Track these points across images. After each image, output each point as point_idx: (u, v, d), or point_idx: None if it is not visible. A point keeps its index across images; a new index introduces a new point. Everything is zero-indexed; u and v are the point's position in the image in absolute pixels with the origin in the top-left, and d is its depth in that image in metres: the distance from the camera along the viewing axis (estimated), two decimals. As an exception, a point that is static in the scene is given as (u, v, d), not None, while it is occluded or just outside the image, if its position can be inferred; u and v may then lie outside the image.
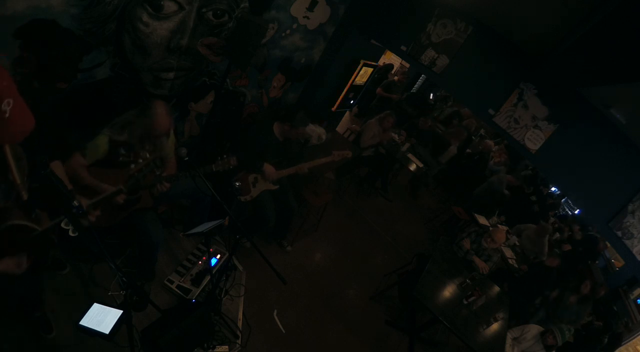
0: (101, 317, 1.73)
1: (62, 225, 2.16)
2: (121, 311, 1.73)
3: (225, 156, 2.47)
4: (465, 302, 3.53)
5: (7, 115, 0.99)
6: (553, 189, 8.73)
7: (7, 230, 1.32)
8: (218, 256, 3.11)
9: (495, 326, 3.50)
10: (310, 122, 4.14)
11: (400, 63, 8.54)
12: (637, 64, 1.99)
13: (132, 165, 1.75)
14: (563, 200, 8.95)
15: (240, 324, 2.83)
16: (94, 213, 1.76)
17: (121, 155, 2.26)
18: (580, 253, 6.44)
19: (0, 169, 1.26)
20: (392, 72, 8.44)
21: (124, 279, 1.52)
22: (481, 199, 6.17)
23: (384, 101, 6.87)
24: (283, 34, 3.88)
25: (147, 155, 1.75)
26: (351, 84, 5.73)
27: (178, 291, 2.74)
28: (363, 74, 5.90)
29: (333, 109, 5.81)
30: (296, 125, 3.23)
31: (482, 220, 5.40)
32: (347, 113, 6.88)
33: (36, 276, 1.96)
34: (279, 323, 3.18)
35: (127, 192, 2.28)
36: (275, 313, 3.23)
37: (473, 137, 9.04)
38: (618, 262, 7.41)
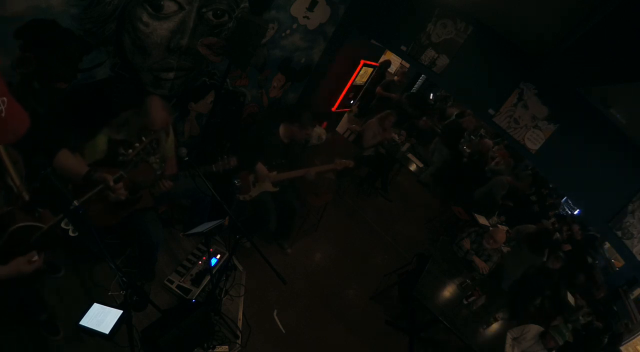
0: (101, 317, 1.73)
1: (62, 225, 2.16)
2: (121, 311, 1.73)
3: (225, 156, 2.47)
4: (465, 302, 3.53)
5: (3, 114, 0.96)
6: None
7: (13, 233, 1.32)
8: (218, 256, 3.11)
9: (495, 326, 3.51)
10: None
11: (400, 63, 8.54)
12: (637, 64, 1.99)
13: (130, 150, 1.74)
14: (563, 200, 8.95)
15: (240, 324, 2.83)
16: (120, 191, 1.75)
17: (120, 154, 2.26)
18: (580, 253, 6.44)
19: (1, 177, 1.27)
20: (392, 72, 8.45)
21: (124, 279, 1.52)
22: (481, 200, 6.17)
23: (383, 101, 6.87)
24: (283, 34, 3.88)
25: (143, 138, 1.74)
26: (351, 84, 5.73)
27: (178, 291, 2.74)
28: (363, 74, 5.91)
29: (333, 109, 5.82)
30: (304, 126, 3.23)
31: (482, 220, 5.40)
32: (348, 112, 6.89)
33: (34, 276, 1.96)
34: (279, 323, 3.18)
35: (128, 190, 2.28)
36: (275, 313, 3.23)
37: (473, 137, 9.06)
38: (618, 262, 7.41)
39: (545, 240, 4.80)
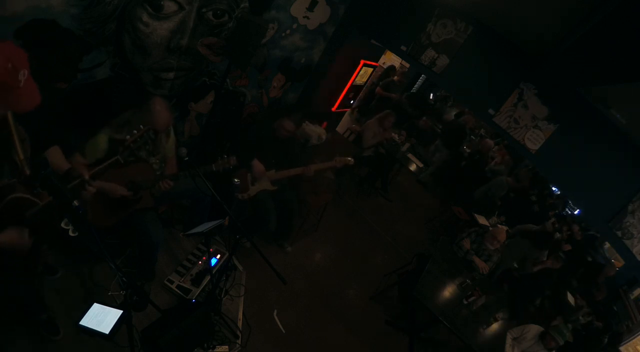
0: (101, 317, 1.73)
1: (62, 225, 2.16)
2: (121, 311, 1.74)
3: (225, 156, 2.47)
4: (465, 302, 3.53)
5: (21, 84, 1.13)
6: (554, 188, 8.72)
7: (10, 202, 1.38)
8: (218, 256, 3.11)
9: (495, 326, 3.50)
10: (308, 122, 4.16)
11: (401, 63, 8.54)
12: (637, 64, 1.99)
13: (127, 136, 1.73)
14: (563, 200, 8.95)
15: (240, 324, 2.83)
16: (92, 188, 1.74)
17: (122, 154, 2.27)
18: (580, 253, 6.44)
19: (6, 150, 1.37)
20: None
21: (124, 279, 1.52)
22: (480, 200, 6.17)
23: (383, 101, 6.87)
24: (283, 34, 3.88)
25: (142, 126, 1.73)
26: (351, 84, 5.74)
27: (178, 291, 2.74)
28: (363, 74, 5.91)
29: (333, 109, 5.82)
30: (288, 121, 3.22)
31: (482, 220, 5.40)
32: (348, 112, 6.89)
33: (31, 277, 1.96)
34: (279, 323, 3.18)
35: (129, 189, 2.28)
36: (275, 313, 3.23)
37: (473, 136, 9.06)
38: (618, 262, 7.41)
39: (548, 239, 4.83)
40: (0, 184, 1.37)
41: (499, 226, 5.38)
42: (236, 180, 3.22)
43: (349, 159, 3.57)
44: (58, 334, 2.15)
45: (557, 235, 6.51)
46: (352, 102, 6.37)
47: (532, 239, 4.85)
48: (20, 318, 2.11)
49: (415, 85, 9.70)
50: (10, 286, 1.80)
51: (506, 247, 4.60)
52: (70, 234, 2.24)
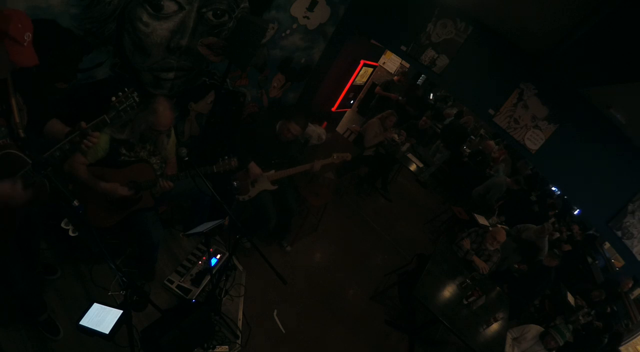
0: (101, 317, 1.73)
1: (62, 225, 2.16)
2: (121, 311, 1.73)
3: (226, 157, 2.47)
4: (465, 302, 3.53)
5: (26, 43, 1.43)
6: (553, 188, 8.73)
7: (3, 156, 1.48)
8: (218, 256, 3.11)
9: (495, 326, 3.50)
10: (310, 122, 4.15)
11: (400, 63, 8.55)
12: (637, 64, 1.99)
13: (113, 97, 1.71)
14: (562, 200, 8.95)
15: (240, 324, 2.83)
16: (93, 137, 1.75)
17: (122, 154, 2.27)
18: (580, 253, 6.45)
19: (5, 115, 1.55)
20: (393, 72, 8.46)
21: (124, 279, 1.52)
22: (477, 200, 6.17)
23: (383, 101, 6.88)
24: (283, 34, 3.88)
25: (126, 88, 1.71)
26: (351, 84, 5.74)
27: (178, 291, 2.74)
28: (363, 74, 5.92)
29: (333, 109, 5.82)
30: (297, 124, 3.20)
31: (482, 220, 5.40)
32: (348, 112, 6.89)
33: (33, 277, 1.96)
34: (279, 323, 3.18)
35: (130, 189, 2.27)
36: (275, 313, 3.23)
37: (473, 136, 9.06)
38: (618, 262, 7.42)
39: (532, 253, 4.98)
40: None
41: (498, 226, 5.38)
42: (236, 183, 3.22)
43: (347, 154, 3.55)
44: (58, 334, 2.15)
45: (557, 235, 6.52)
46: (352, 102, 6.37)
47: (518, 245, 4.92)
48: (21, 318, 2.11)
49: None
50: (12, 285, 1.80)
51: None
52: (70, 234, 2.25)
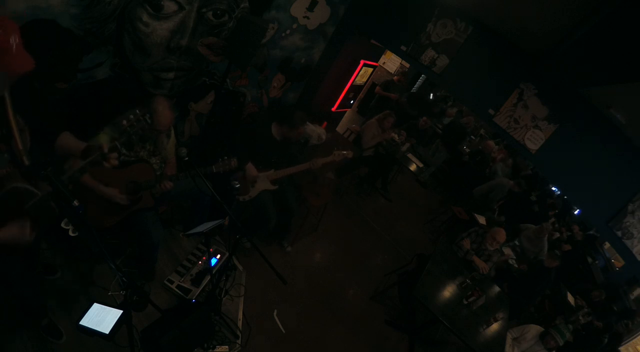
0: (101, 317, 1.73)
1: (62, 225, 2.16)
2: (121, 311, 1.73)
3: (226, 157, 2.47)
4: (465, 302, 3.53)
5: (13, 48, 1.27)
6: (553, 188, 8.73)
7: (10, 193, 1.37)
8: (218, 256, 3.11)
9: (495, 326, 3.50)
10: (309, 122, 4.15)
11: (400, 63, 8.54)
12: (637, 64, 1.99)
13: (124, 121, 1.72)
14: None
15: (240, 324, 2.83)
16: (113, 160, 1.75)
17: (122, 154, 2.27)
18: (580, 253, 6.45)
19: (5, 139, 1.42)
20: (393, 72, 8.45)
21: (124, 279, 1.52)
22: (478, 200, 6.17)
23: (383, 101, 6.88)
24: (283, 34, 3.88)
25: (137, 111, 1.72)
26: (351, 84, 5.74)
27: (178, 291, 2.74)
28: (363, 74, 5.91)
29: (333, 109, 5.82)
30: (294, 126, 3.21)
31: (482, 220, 5.40)
32: (348, 112, 6.89)
33: (33, 277, 1.96)
34: (279, 323, 3.18)
35: (128, 191, 2.28)
36: (275, 313, 3.23)
37: (473, 136, 9.05)
38: (618, 262, 7.41)
39: None
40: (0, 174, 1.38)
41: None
42: (236, 183, 3.22)
43: (349, 151, 3.52)
44: (61, 339, 2.15)
45: (557, 235, 6.52)
46: (352, 102, 6.37)
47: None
48: (21, 318, 2.11)
49: (415, 85, 9.69)
50: (11, 285, 1.80)
51: None
52: (70, 234, 2.25)
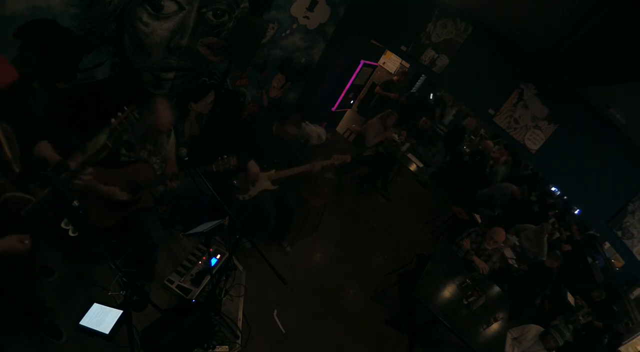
0: (101, 317, 1.73)
1: (62, 225, 2.16)
2: (121, 311, 1.73)
3: (225, 156, 2.47)
4: (465, 302, 3.53)
5: None
6: (553, 188, 8.74)
7: (5, 202, 1.38)
8: (218, 256, 3.11)
9: (495, 326, 3.50)
10: (308, 122, 4.15)
11: (400, 63, 8.54)
12: (637, 64, 1.99)
13: (112, 119, 1.70)
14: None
15: (240, 324, 2.83)
16: (85, 175, 1.73)
17: (122, 154, 2.27)
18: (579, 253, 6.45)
19: None
20: (393, 72, 8.45)
21: (124, 279, 1.52)
22: (481, 203, 6.17)
23: (383, 101, 6.88)
24: (283, 34, 3.88)
25: (126, 108, 1.70)
26: (351, 84, 5.74)
27: (178, 291, 2.74)
28: (363, 74, 5.91)
29: (333, 109, 5.82)
30: (293, 126, 3.21)
31: (479, 218, 5.40)
32: (348, 112, 6.89)
33: (31, 278, 1.96)
34: (279, 323, 3.18)
35: (128, 191, 2.28)
36: (275, 313, 3.23)
37: (473, 137, 9.06)
38: (618, 262, 7.41)
39: None
40: None
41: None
42: (236, 181, 3.23)
43: (347, 156, 3.55)
44: (61, 339, 2.15)
45: (557, 235, 6.52)
46: (352, 102, 6.37)
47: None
48: (21, 319, 2.11)
49: (416, 85, 9.70)
50: (13, 288, 1.80)
51: None
52: (70, 234, 2.24)
